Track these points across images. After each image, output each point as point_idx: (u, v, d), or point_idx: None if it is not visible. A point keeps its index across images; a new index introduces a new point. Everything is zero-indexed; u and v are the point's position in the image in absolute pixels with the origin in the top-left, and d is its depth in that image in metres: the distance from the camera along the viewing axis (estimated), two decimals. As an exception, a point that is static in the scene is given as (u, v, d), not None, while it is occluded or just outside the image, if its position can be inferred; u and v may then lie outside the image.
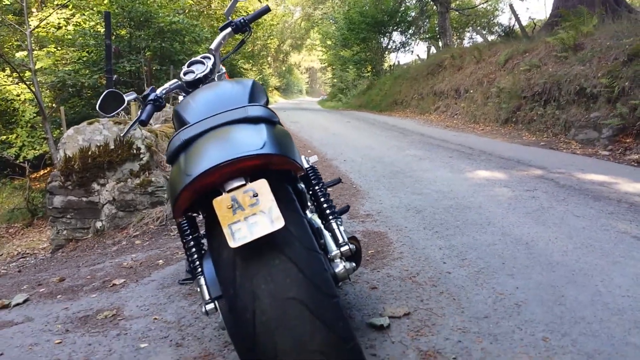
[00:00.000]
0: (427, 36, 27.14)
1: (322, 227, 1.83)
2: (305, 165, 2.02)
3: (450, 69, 15.32)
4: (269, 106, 1.79)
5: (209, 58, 2.35)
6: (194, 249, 1.68)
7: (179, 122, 1.93)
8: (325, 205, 1.82)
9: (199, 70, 2.27)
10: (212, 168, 1.38)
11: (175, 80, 2.34)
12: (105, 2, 15.85)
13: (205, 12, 23.17)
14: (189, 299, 2.72)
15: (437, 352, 2.02)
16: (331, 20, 34.24)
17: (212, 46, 2.43)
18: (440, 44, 21.64)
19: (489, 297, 2.49)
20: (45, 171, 16.19)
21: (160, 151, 5.04)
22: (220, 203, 1.36)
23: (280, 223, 1.32)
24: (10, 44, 16.15)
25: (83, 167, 4.50)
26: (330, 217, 1.79)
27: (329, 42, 32.58)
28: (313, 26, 44.48)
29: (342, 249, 1.69)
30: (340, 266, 1.64)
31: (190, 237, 1.70)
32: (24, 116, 16.04)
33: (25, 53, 13.28)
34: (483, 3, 28.08)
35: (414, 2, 27.02)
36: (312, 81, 72.87)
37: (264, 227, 1.32)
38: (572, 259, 2.92)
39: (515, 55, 11.63)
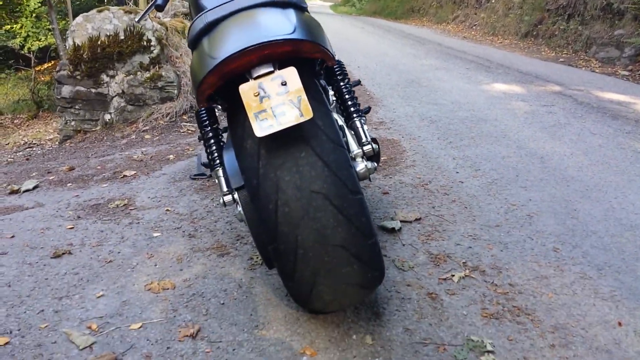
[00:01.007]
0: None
1: (344, 125, 1.76)
2: None
3: (472, -24, 14.53)
4: None
5: None
6: (212, 140, 1.63)
7: (197, 8, 1.81)
8: (350, 103, 1.74)
9: None
10: (239, 52, 1.29)
11: None
12: None
13: None
14: (200, 194, 2.71)
15: (447, 256, 2.03)
16: None
17: None
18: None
19: (501, 207, 2.48)
20: (50, 64, 15.91)
21: (171, 45, 4.88)
22: (247, 90, 1.29)
23: (309, 114, 1.26)
24: None
25: (92, 56, 4.36)
26: (355, 115, 1.71)
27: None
28: None
29: (365, 148, 1.63)
30: (361, 165, 1.59)
31: (209, 127, 1.64)
32: (28, 5, 15.49)
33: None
34: None
35: None
36: (325, -16, 69.66)
37: (291, 118, 1.26)
38: (587, 174, 2.89)
39: (544, -37, 10.97)
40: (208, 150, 1.64)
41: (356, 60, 7.36)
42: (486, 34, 11.47)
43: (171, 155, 3.46)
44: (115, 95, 4.43)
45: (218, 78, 1.36)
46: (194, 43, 1.53)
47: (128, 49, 4.37)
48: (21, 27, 15.25)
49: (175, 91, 4.46)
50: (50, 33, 13.89)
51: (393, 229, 2.23)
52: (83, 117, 4.46)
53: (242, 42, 1.31)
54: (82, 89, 4.41)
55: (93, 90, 4.41)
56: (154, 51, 4.44)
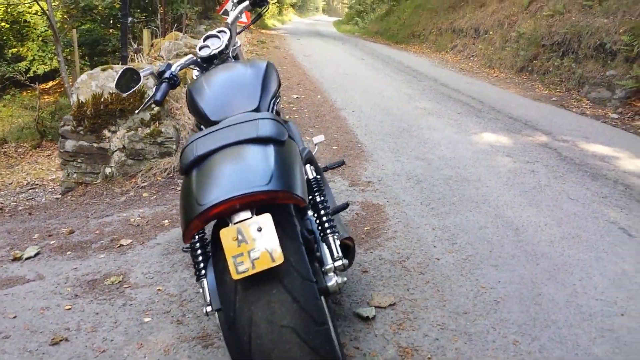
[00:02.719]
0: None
1: (319, 237, 1.93)
2: (310, 176, 2.09)
3: (472, 4, 14.83)
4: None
5: (225, 32, 2.46)
6: (199, 251, 1.79)
7: (194, 107, 2.04)
8: (325, 219, 1.92)
9: (215, 46, 2.40)
10: (223, 201, 1.48)
11: (191, 55, 2.46)
12: None
13: None
14: (190, 270, 2.89)
15: (415, 350, 2.19)
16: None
17: (229, 20, 2.51)
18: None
19: (471, 291, 2.64)
20: (55, 82, 16.24)
21: (171, 97, 5.08)
22: (227, 234, 1.47)
23: (280, 259, 1.44)
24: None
25: (95, 113, 4.58)
26: (329, 232, 1.89)
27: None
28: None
29: (336, 263, 1.82)
30: (332, 280, 1.78)
31: (197, 237, 1.81)
32: (35, 29, 15.87)
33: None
34: None
35: None
36: (330, -1, 70.38)
37: (265, 262, 1.44)
38: (557, 250, 3.05)
39: (540, -3, 11.26)
40: (194, 261, 1.81)
41: (352, 101, 7.56)
42: (483, 65, 11.70)
43: (166, 221, 3.64)
44: (116, 150, 4.64)
45: (202, 222, 1.55)
46: (185, 171, 1.72)
47: (130, 106, 4.57)
48: (27, 50, 15.61)
49: (174, 146, 4.66)
50: (55, 57, 14.18)
51: (367, 317, 2.40)
52: (84, 170, 4.66)
53: (225, 190, 1.50)
54: (85, 143, 4.62)
55: (95, 145, 4.62)
56: (155, 108, 4.64)
